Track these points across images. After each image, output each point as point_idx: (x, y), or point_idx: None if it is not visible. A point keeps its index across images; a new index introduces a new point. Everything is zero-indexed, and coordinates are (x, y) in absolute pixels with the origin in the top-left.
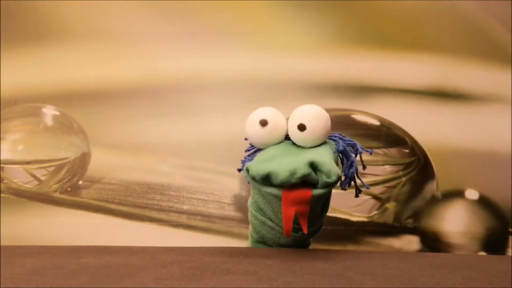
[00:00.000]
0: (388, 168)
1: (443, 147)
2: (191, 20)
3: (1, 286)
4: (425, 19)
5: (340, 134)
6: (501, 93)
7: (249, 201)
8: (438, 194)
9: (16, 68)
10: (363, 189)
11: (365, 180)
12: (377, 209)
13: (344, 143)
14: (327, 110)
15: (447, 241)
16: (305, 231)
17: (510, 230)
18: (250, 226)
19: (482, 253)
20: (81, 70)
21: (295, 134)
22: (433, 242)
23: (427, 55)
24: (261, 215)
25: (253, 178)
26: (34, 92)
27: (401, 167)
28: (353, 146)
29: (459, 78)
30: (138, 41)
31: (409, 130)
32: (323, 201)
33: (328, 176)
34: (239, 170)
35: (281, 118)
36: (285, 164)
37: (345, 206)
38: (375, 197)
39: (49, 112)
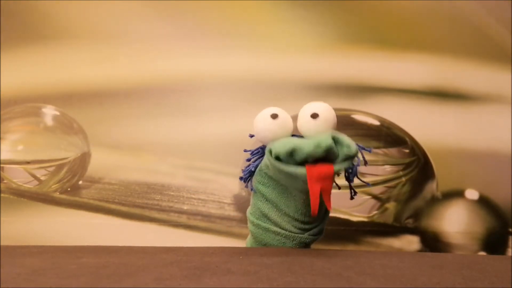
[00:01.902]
0: (388, 168)
1: (443, 147)
2: (191, 20)
3: (1, 286)
4: (425, 19)
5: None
6: (501, 93)
7: (249, 210)
8: (438, 194)
9: (16, 68)
10: (361, 190)
11: (365, 180)
12: (377, 209)
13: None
14: None
15: (447, 241)
16: (330, 207)
17: (510, 230)
18: (249, 238)
19: (482, 253)
20: (81, 70)
21: (307, 123)
22: (433, 242)
23: (427, 55)
24: (264, 222)
25: (277, 158)
26: (34, 92)
27: (401, 167)
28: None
29: (459, 78)
30: (138, 41)
31: (409, 130)
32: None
33: (349, 148)
34: (241, 178)
35: (288, 117)
36: (307, 140)
37: (345, 206)
38: (375, 197)
39: (49, 112)
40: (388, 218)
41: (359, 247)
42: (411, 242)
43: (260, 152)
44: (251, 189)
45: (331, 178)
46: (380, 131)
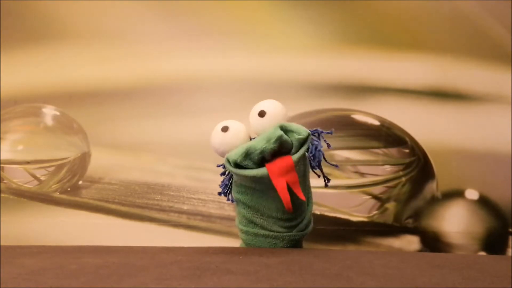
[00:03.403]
0: (388, 168)
1: (443, 147)
2: (191, 20)
3: (1, 286)
4: (425, 19)
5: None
6: (501, 93)
7: (236, 220)
8: (438, 194)
9: (16, 68)
10: (361, 190)
11: (365, 180)
12: (377, 209)
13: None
14: (327, 110)
15: (447, 241)
16: (303, 197)
17: (510, 230)
18: (242, 246)
19: (482, 253)
20: (81, 70)
21: (256, 123)
22: (433, 242)
23: (427, 55)
24: (252, 228)
25: (236, 164)
26: (34, 92)
27: (401, 167)
28: (314, 132)
29: (459, 78)
30: (138, 41)
31: (409, 130)
32: (302, 174)
33: (299, 133)
34: (220, 193)
35: (239, 124)
36: (258, 139)
37: (345, 206)
38: (375, 197)
39: (49, 112)
40: (388, 218)
41: (359, 247)
42: (411, 242)
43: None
44: (232, 201)
45: (293, 168)
46: (380, 131)
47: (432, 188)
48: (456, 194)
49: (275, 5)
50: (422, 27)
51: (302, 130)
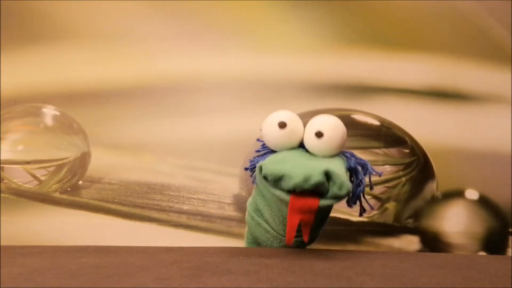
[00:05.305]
0: (388, 168)
1: (443, 147)
2: (191, 20)
3: (1, 286)
4: (425, 19)
5: (352, 152)
6: (501, 93)
7: (249, 200)
8: (438, 194)
9: (16, 68)
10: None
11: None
12: (377, 209)
13: (356, 160)
14: (327, 110)
15: (447, 241)
16: (306, 239)
17: (510, 230)
18: (246, 227)
19: (482, 253)
20: (81, 70)
21: (311, 141)
22: (433, 242)
23: (427, 55)
24: (258, 217)
25: (265, 177)
26: (34, 92)
27: (401, 167)
28: (363, 165)
29: (459, 78)
30: (138, 41)
31: (409, 130)
32: (324, 213)
33: (340, 189)
34: (247, 168)
35: (299, 124)
36: (300, 168)
37: (345, 206)
38: (375, 197)
39: (49, 112)
40: (388, 218)
41: (359, 247)
42: (411, 242)
43: (269, 148)
44: (253, 182)
45: (313, 212)
46: (380, 131)
47: (432, 188)
48: (456, 194)
49: (275, 5)
50: (422, 27)
51: (344, 188)
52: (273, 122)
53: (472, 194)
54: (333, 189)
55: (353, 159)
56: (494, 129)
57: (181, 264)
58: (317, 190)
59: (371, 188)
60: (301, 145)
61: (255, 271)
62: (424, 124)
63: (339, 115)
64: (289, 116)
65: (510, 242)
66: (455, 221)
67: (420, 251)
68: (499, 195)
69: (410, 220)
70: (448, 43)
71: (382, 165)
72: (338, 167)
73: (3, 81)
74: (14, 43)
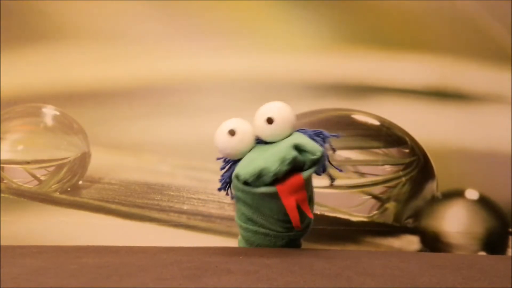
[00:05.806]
0: (388, 168)
1: (443, 147)
2: (191, 20)
3: (1, 286)
4: (425, 19)
5: (303, 128)
6: (501, 93)
7: (236, 216)
8: (438, 194)
9: (16, 68)
10: (361, 190)
11: (365, 180)
12: (377, 209)
13: (311, 131)
14: (327, 110)
15: (447, 241)
16: (311, 215)
17: (510, 230)
18: (240, 239)
19: (482, 253)
20: (81, 70)
21: (264, 129)
22: (433, 242)
23: (427, 55)
24: (252, 225)
25: (246, 182)
26: (34, 92)
27: (401, 167)
28: (319, 134)
29: (459, 78)
30: (138, 41)
31: (409, 130)
32: (308, 187)
33: (313, 153)
34: (220, 188)
35: (247, 125)
36: (271, 157)
37: (345, 206)
38: (375, 197)
39: (49, 112)
40: (388, 218)
41: (359, 247)
42: (411, 242)
43: (231, 161)
44: (232, 197)
45: (303, 187)
46: (380, 131)
47: (432, 188)
48: (456, 194)
49: (275, 5)
50: (422, 27)
51: (316, 150)
52: (223, 133)
53: (472, 194)
54: (308, 157)
55: (308, 131)
56: (494, 129)
57: (181, 264)
58: (296, 167)
59: (334, 151)
60: (257, 142)
61: (255, 271)
62: (424, 124)
63: (339, 115)
64: (234, 122)
65: (510, 242)
66: (455, 221)
67: (420, 251)
68: (499, 195)
69: (410, 220)
70: (448, 43)
71: (382, 165)
72: (302, 138)
73: (3, 81)
74: (14, 43)
